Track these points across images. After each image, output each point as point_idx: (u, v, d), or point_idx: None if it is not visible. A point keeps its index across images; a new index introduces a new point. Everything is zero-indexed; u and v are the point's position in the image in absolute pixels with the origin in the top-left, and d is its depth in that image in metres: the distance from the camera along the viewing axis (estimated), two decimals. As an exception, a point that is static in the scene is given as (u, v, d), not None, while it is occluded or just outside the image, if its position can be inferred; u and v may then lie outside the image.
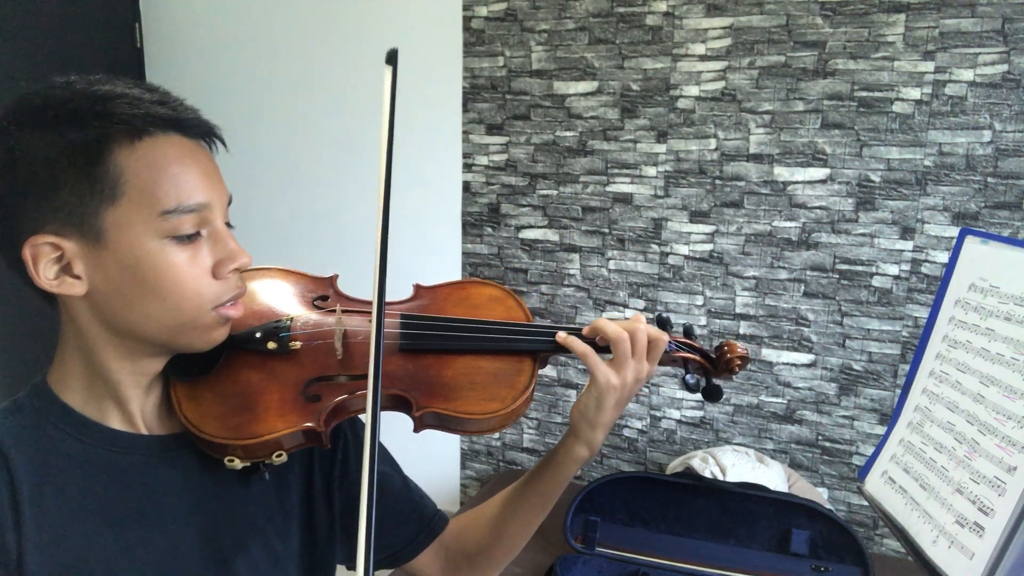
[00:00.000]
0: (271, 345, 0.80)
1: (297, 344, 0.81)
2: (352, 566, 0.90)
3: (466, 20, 2.27)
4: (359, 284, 0.98)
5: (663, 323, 0.91)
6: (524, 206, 2.31)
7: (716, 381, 0.92)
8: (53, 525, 0.70)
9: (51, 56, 2.31)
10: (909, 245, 1.95)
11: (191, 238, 0.71)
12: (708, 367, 0.93)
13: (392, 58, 0.74)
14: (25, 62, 2.23)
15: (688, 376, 0.90)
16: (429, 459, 2.54)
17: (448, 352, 0.85)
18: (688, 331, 0.95)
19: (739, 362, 0.91)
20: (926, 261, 1.94)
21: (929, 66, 1.85)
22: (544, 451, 2.42)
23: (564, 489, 0.92)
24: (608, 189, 2.20)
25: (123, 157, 0.68)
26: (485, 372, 0.84)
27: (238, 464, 0.75)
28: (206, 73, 2.66)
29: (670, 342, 0.89)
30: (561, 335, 0.86)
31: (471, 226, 2.39)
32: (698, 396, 0.93)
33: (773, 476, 1.93)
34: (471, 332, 0.86)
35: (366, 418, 0.65)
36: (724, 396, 0.96)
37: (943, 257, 1.92)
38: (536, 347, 0.87)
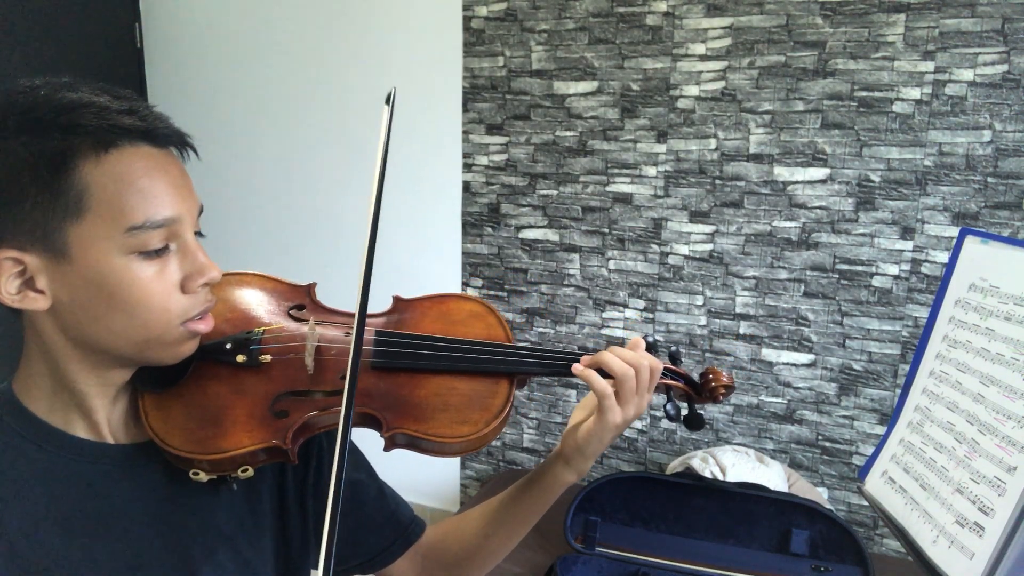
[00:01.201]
0: (240, 358, 0.78)
1: (267, 357, 0.79)
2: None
3: (466, 20, 2.27)
4: (343, 292, 0.96)
5: (651, 348, 0.88)
6: (524, 206, 2.31)
7: (699, 409, 0.89)
8: (14, 533, 0.69)
9: (51, 56, 2.31)
10: (909, 245, 1.95)
11: (159, 252, 0.69)
12: (691, 394, 0.90)
13: (390, 99, 0.72)
14: (25, 62, 2.23)
15: (668, 405, 0.86)
16: (429, 459, 2.54)
17: (422, 371, 0.82)
18: (674, 356, 0.91)
19: (723, 390, 0.88)
20: (926, 261, 1.94)
21: (929, 66, 1.85)
22: (544, 451, 2.42)
23: (548, 509, 0.91)
24: (608, 189, 2.20)
25: (88, 171, 0.65)
26: (459, 393, 0.81)
27: (204, 477, 0.74)
28: (206, 73, 2.66)
29: None
30: (578, 368, 0.82)
31: (471, 226, 2.39)
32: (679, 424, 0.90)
33: (773, 476, 1.93)
34: (447, 351, 0.83)
35: (337, 434, 0.63)
36: (705, 424, 0.93)
37: (943, 257, 1.92)
38: (514, 369, 0.83)
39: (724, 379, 0.88)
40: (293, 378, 0.79)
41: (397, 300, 0.91)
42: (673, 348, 0.93)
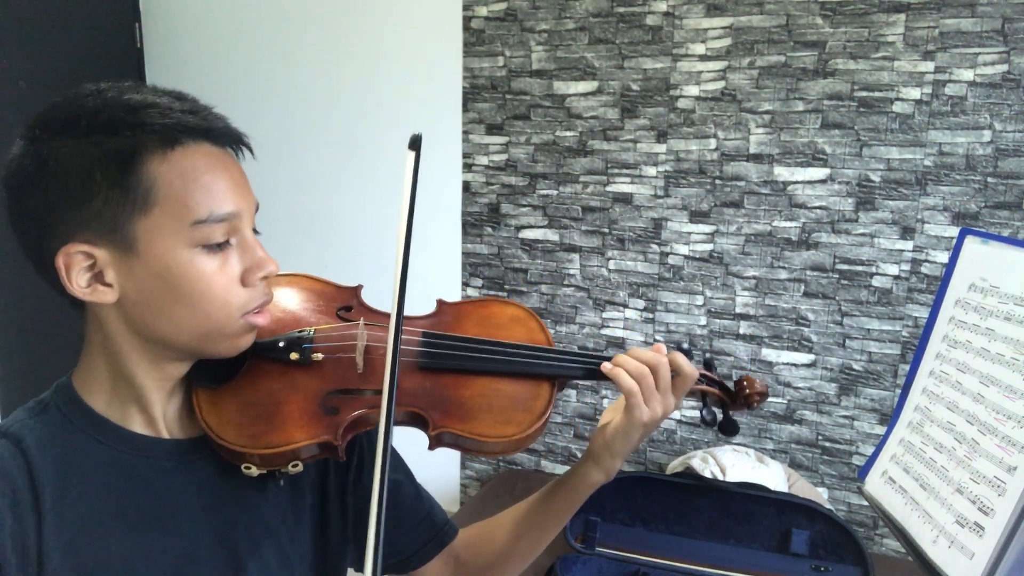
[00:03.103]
0: (293, 356, 0.81)
1: (319, 356, 0.82)
2: (362, 569, 0.91)
3: (466, 20, 2.27)
4: (382, 295, 0.98)
5: (684, 354, 0.90)
6: (524, 206, 2.31)
7: (734, 415, 0.91)
8: (73, 526, 0.71)
9: (51, 56, 2.31)
10: (909, 245, 1.95)
11: (221, 246, 0.72)
12: (726, 400, 0.92)
13: (415, 143, 0.72)
14: (25, 62, 2.23)
15: (704, 411, 0.89)
16: (429, 459, 2.53)
17: (467, 372, 0.84)
18: (708, 363, 0.94)
19: (758, 398, 0.90)
20: (926, 261, 1.94)
21: (929, 66, 1.85)
22: (544, 451, 2.42)
23: (577, 509, 0.93)
24: (608, 189, 2.20)
25: (155, 166, 0.68)
26: (503, 395, 0.84)
27: (255, 471, 0.76)
28: (206, 73, 2.66)
29: None
30: (607, 367, 0.85)
31: (471, 226, 2.39)
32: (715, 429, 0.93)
33: (773, 476, 1.92)
34: (492, 353, 0.85)
35: (379, 431, 0.65)
36: (739, 431, 0.96)
37: (943, 257, 1.92)
38: (556, 372, 0.86)
39: (758, 387, 0.90)
40: (343, 376, 0.81)
41: (441, 303, 0.94)
42: (708, 356, 0.95)
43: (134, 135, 0.68)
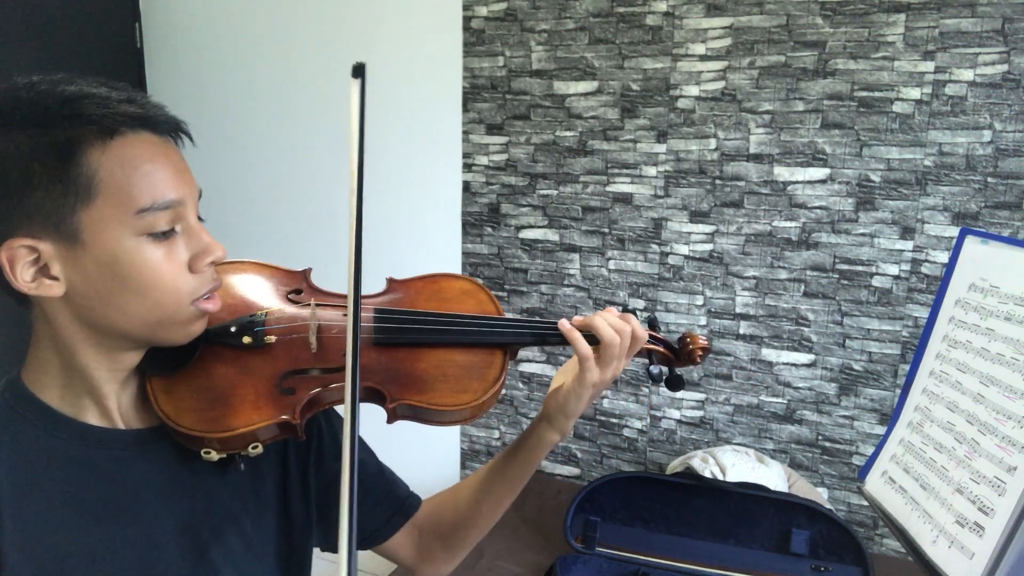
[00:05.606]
0: (246, 339, 0.81)
1: (272, 338, 0.82)
2: (327, 548, 0.93)
3: (466, 20, 2.27)
4: (338, 278, 0.99)
5: (630, 315, 0.93)
6: (524, 206, 2.31)
7: (678, 371, 0.95)
8: (32, 522, 0.70)
9: (51, 56, 2.31)
10: (909, 245, 1.95)
11: (166, 234, 0.72)
12: (671, 358, 0.96)
13: (359, 71, 0.68)
14: (25, 62, 2.23)
15: (652, 367, 0.93)
16: (429, 459, 2.54)
17: (421, 345, 0.86)
18: (652, 323, 0.97)
19: (700, 352, 0.94)
20: (926, 261, 1.94)
21: (929, 66, 1.85)
22: (544, 451, 2.42)
23: (534, 471, 0.95)
24: (608, 189, 2.20)
25: (95, 157, 0.68)
26: (457, 365, 0.86)
27: (215, 456, 0.76)
28: (206, 73, 2.66)
29: None
30: (565, 326, 0.88)
31: (471, 226, 2.39)
32: (663, 386, 0.96)
33: (773, 476, 1.92)
34: (444, 326, 0.87)
35: (345, 411, 0.65)
36: (685, 385, 1.00)
37: (943, 257, 1.92)
38: (506, 340, 0.89)
39: (701, 342, 0.94)
40: (297, 357, 0.82)
41: (391, 281, 0.95)
42: (651, 315, 1.00)
43: (72, 127, 0.67)
